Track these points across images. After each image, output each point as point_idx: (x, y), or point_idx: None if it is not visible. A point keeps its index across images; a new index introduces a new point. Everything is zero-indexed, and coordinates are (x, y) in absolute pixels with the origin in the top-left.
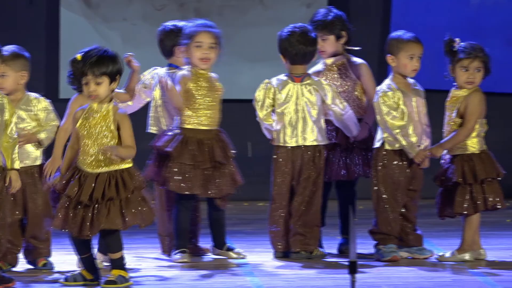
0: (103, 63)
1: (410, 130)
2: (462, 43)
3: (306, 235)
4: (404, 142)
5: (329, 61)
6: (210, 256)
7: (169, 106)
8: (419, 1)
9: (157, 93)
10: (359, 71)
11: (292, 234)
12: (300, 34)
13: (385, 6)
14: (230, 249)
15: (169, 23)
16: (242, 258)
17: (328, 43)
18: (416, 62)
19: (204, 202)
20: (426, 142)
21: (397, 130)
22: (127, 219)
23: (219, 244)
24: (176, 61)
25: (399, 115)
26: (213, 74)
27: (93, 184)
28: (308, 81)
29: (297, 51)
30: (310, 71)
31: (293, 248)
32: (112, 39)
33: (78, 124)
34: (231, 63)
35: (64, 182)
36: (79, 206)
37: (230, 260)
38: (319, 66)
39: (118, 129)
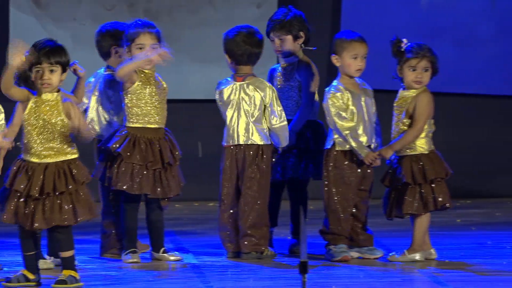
0: (57, 51)
1: (360, 130)
2: (409, 43)
3: (255, 235)
4: (353, 144)
5: (284, 61)
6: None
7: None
8: (369, 1)
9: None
10: (305, 73)
11: (242, 235)
12: (247, 34)
13: (334, 6)
14: (167, 252)
15: (107, 24)
16: (179, 260)
17: (285, 43)
18: (360, 61)
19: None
20: (376, 142)
21: (347, 132)
22: (78, 213)
23: (157, 247)
24: (113, 62)
25: (348, 115)
26: (157, 74)
27: (42, 177)
28: (249, 81)
29: (243, 52)
30: (271, 68)
31: (243, 249)
32: (62, 39)
33: (26, 113)
34: (181, 64)
35: (11, 176)
36: (29, 200)
37: (182, 261)
38: (277, 65)
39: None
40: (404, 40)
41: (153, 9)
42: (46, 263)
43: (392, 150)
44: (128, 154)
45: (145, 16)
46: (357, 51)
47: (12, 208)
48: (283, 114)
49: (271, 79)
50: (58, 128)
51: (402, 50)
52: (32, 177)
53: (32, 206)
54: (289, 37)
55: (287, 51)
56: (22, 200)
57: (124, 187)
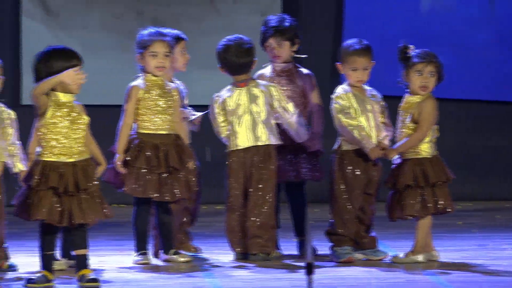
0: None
1: (365, 132)
2: (416, 50)
3: (263, 237)
4: (359, 137)
5: (279, 67)
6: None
7: None
8: (371, 8)
9: None
10: (306, 81)
11: (249, 237)
12: (234, 46)
13: (337, 13)
14: (177, 253)
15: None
16: (189, 261)
17: (284, 49)
18: (359, 74)
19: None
20: (386, 138)
21: (351, 127)
22: (106, 210)
23: (167, 248)
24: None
25: (353, 114)
26: (172, 84)
27: (73, 174)
28: (252, 84)
29: (232, 64)
30: (257, 73)
31: (250, 250)
32: (72, 47)
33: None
34: (187, 70)
35: (37, 175)
36: (63, 196)
37: (192, 262)
38: (267, 70)
39: None
40: (411, 46)
41: (160, 17)
42: (60, 264)
43: (396, 152)
44: (133, 158)
45: (152, 24)
46: (357, 64)
47: (45, 206)
48: (294, 108)
49: None
50: (82, 127)
51: (409, 55)
52: (64, 175)
53: (67, 203)
54: (287, 43)
55: (285, 57)
56: (55, 197)
57: (129, 191)
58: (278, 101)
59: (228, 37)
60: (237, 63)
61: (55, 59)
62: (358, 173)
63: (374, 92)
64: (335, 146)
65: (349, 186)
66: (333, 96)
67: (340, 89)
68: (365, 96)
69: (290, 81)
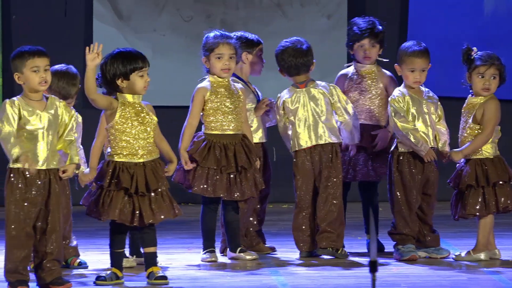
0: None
1: (420, 133)
2: (479, 52)
3: (333, 232)
4: (413, 139)
5: (364, 67)
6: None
7: None
8: (435, 10)
9: None
10: (388, 83)
11: (319, 232)
12: (291, 47)
13: (401, 15)
14: (243, 251)
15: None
16: (255, 259)
17: (374, 51)
18: (417, 75)
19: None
20: (446, 144)
21: (406, 130)
22: (175, 209)
23: (233, 246)
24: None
25: (409, 118)
26: (238, 85)
27: (144, 174)
28: (312, 85)
29: (289, 64)
30: (340, 73)
31: (320, 244)
32: (142, 49)
33: (118, 118)
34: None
35: (108, 176)
36: (135, 197)
37: (258, 260)
38: (349, 70)
39: None
40: (474, 49)
41: (229, 20)
42: (129, 261)
43: (462, 155)
44: (203, 158)
45: (221, 27)
46: (414, 66)
47: (117, 206)
48: (353, 110)
49: (341, 84)
50: (151, 128)
51: (472, 58)
52: (135, 175)
53: (138, 203)
54: (378, 46)
55: (374, 58)
56: (126, 197)
57: (199, 190)
58: (338, 101)
59: (286, 39)
60: (294, 63)
61: (121, 61)
62: (415, 174)
63: (431, 94)
64: (392, 148)
65: (406, 186)
66: (389, 99)
67: (397, 91)
68: (421, 98)
69: (373, 82)
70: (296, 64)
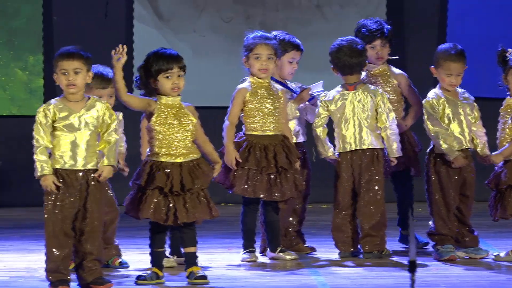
0: (181, 58)
1: (457, 134)
2: None
3: (377, 236)
4: (443, 146)
5: (375, 68)
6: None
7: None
8: (474, 10)
9: None
10: (399, 80)
11: (363, 236)
12: (347, 46)
13: (441, 16)
14: (283, 251)
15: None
16: (295, 259)
17: (386, 51)
18: (453, 79)
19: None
20: (485, 146)
21: (437, 134)
22: (212, 209)
23: (273, 246)
24: None
25: (445, 120)
26: (279, 86)
27: (179, 174)
28: (361, 88)
29: (344, 63)
30: None
31: (363, 248)
32: (182, 50)
33: (156, 120)
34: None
35: (145, 176)
36: (170, 196)
37: (298, 260)
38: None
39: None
40: (509, 50)
41: (268, 22)
42: (169, 261)
43: (502, 157)
44: (243, 159)
45: (261, 28)
46: (451, 70)
47: (152, 205)
48: (393, 120)
49: None
50: (189, 128)
51: (507, 59)
52: (171, 175)
53: (173, 202)
54: (388, 45)
55: (385, 57)
56: (161, 197)
57: (239, 191)
58: (383, 108)
59: (341, 38)
60: (348, 63)
61: (151, 63)
62: (452, 175)
63: (466, 95)
64: (430, 149)
65: (444, 187)
66: (424, 100)
67: (432, 94)
68: (457, 99)
69: (385, 80)
70: (350, 63)
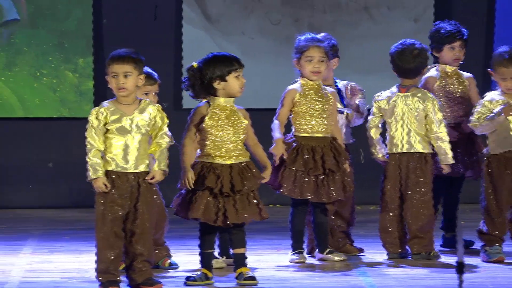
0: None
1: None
2: None
3: (425, 237)
4: (487, 120)
5: (450, 69)
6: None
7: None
8: None
9: None
10: (469, 83)
11: (411, 237)
12: (405, 49)
13: (488, 18)
14: (332, 253)
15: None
16: (343, 260)
17: (463, 53)
18: (509, 83)
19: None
20: None
21: (475, 123)
22: (261, 210)
23: (322, 248)
24: None
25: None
26: (329, 88)
27: (230, 176)
28: (413, 92)
29: (399, 67)
30: (425, 76)
31: (412, 249)
32: (230, 52)
33: (209, 122)
34: (343, 75)
35: (195, 176)
36: (220, 197)
37: (347, 261)
38: (433, 73)
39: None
40: None
41: (316, 24)
42: (218, 262)
43: None
44: (291, 160)
45: (309, 30)
46: (505, 75)
47: (202, 205)
48: (444, 127)
49: (429, 86)
50: (241, 131)
51: None
52: (221, 176)
53: (222, 203)
54: (464, 48)
55: (461, 59)
56: (211, 197)
57: (287, 192)
58: (433, 115)
59: (403, 40)
60: (407, 67)
61: (217, 64)
62: (505, 176)
63: None
64: (484, 151)
65: (497, 188)
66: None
67: (491, 95)
68: None
69: (458, 81)
70: (409, 67)
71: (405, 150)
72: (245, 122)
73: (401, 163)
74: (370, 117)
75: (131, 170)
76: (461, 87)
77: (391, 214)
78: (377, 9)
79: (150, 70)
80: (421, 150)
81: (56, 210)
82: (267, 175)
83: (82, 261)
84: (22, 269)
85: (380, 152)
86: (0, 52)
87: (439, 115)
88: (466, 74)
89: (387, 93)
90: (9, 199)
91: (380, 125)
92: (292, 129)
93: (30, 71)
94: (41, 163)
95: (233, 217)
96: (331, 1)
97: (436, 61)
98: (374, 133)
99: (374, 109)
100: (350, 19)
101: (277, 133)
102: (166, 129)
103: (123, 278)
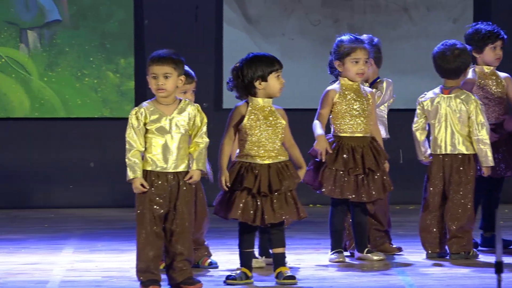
0: None
1: None
2: None
3: (464, 237)
4: None
5: (488, 70)
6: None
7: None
8: None
9: None
10: (507, 83)
11: (450, 237)
12: (447, 50)
13: None
14: (370, 252)
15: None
16: (382, 260)
17: (502, 53)
18: None
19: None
20: None
21: None
22: (299, 210)
23: (361, 247)
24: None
25: None
26: (368, 88)
27: (268, 175)
28: (456, 93)
29: (442, 68)
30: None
31: (450, 249)
32: (271, 53)
33: (247, 121)
34: (382, 75)
35: (233, 177)
36: (258, 197)
37: (385, 261)
38: (470, 74)
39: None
40: None
41: (356, 24)
42: (258, 262)
43: None
44: (331, 160)
45: (348, 31)
46: None
47: (240, 205)
48: (485, 130)
49: (468, 88)
50: (279, 131)
51: None
52: (259, 176)
53: (260, 203)
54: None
55: (500, 59)
56: (249, 197)
57: (327, 192)
58: (475, 118)
59: (444, 41)
60: (448, 67)
61: (259, 64)
62: None
63: None
64: None
65: None
66: None
67: None
68: None
69: (496, 81)
70: (447, 68)
71: (448, 152)
72: (283, 122)
73: (445, 164)
74: (415, 119)
75: (170, 170)
76: (499, 87)
77: (433, 214)
78: (416, 10)
79: (187, 68)
80: (465, 151)
81: (97, 209)
82: (301, 176)
83: (122, 260)
84: (64, 268)
85: (423, 156)
86: (42, 53)
87: (481, 118)
88: (503, 74)
89: (430, 94)
90: (50, 199)
91: (426, 127)
92: (332, 129)
93: (72, 72)
94: (83, 163)
95: (271, 216)
96: (371, 2)
97: (473, 62)
98: (419, 136)
99: (418, 111)
100: (389, 19)
101: (318, 130)
102: (205, 128)
103: (164, 277)
